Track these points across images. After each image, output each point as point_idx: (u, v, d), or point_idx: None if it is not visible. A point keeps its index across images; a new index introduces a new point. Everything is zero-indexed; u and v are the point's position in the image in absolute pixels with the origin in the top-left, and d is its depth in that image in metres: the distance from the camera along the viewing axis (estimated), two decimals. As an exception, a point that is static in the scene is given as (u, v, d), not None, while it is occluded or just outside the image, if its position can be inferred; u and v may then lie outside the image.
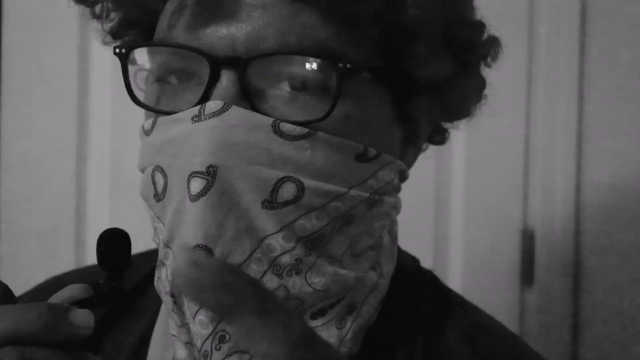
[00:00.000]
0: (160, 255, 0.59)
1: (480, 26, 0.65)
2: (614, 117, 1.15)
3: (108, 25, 0.65)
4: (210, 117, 0.55)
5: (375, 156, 0.60)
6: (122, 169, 1.13)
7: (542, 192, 1.19)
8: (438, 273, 0.74)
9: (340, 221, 0.59)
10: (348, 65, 0.56)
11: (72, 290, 0.52)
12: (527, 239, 1.19)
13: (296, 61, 0.57)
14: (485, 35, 0.66)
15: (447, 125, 0.71)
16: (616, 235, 1.15)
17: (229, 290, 0.39)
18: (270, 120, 0.56)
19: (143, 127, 0.61)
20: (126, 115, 1.12)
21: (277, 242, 0.56)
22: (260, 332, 0.39)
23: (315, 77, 0.57)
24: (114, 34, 0.66)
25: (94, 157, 1.14)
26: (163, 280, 0.59)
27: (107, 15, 0.65)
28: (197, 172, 0.54)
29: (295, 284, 0.57)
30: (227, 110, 0.55)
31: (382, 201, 0.62)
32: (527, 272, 1.19)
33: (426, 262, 0.73)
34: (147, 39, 0.64)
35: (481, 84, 0.68)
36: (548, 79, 1.19)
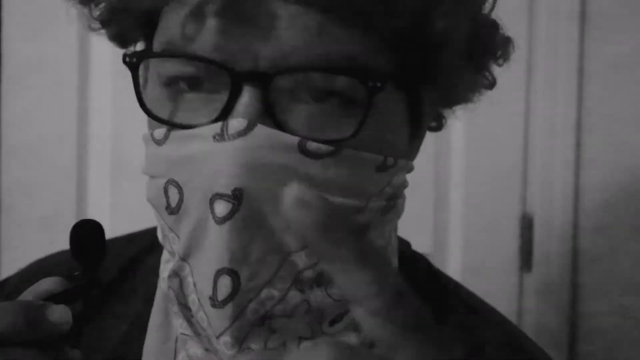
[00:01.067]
0: (174, 266, 0.58)
1: (496, 27, 0.64)
2: (614, 102, 1.15)
3: (96, 12, 0.62)
4: (234, 138, 0.53)
5: (392, 164, 0.59)
6: (123, 155, 1.13)
7: (541, 177, 1.19)
8: (438, 258, 0.74)
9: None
10: (378, 84, 0.55)
11: (47, 284, 0.52)
12: (526, 225, 1.19)
13: (323, 76, 0.55)
14: (499, 35, 0.65)
15: (445, 111, 0.71)
16: (615, 220, 1.15)
17: (333, 231, 0.35)
18: (296, 139, 0.54)
19: (153, 135, 0.58)
20: (127, 101, 1.12)
21: (301, 259, 0.56)
22: (358, 278, 0.35)
23: (342, 90, 0.55)
24: (104, 21, 0.62)
25: (94, 143, 1.15)
26: (176, 290, 0.59)
27: (97, 4, 0.62)
28: (222, 195, 0.53)
29: (317, 296, 0.57)
30: (252, 130, 0.53)
31: (395, 205, 0.61)
32: (526, 257, 1.20)
33: (426, 247, 0.74)
34: (141, 28, 0.62)
35: (492, 83, 0.68)
36: (547, 68, 1.19)
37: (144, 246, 0.73)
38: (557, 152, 1.19)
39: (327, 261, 0.36)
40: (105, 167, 1.14)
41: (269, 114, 0.54)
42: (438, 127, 0.71)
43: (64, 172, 1.14)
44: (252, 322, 0.55)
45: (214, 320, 0.55)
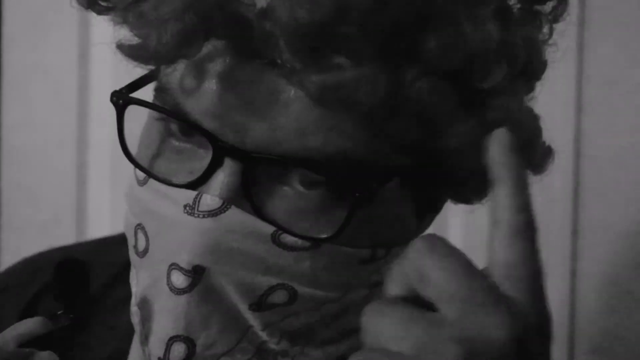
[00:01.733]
0: (132, 308, 0.56)
1: (534, 138, 0.58)
2: (614, 107, 1.16)
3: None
4: (204, 216, 0.50)
5: (383, 255, 0.55)
6: (123, 160, 1.13)
7: (541, 180, 1.19)
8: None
9: (331, 317, 0.56)
10: (366, 194, 0.50)
11: (30, 325, 0.51)
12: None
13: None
14: (539, 145, 0.59)
15: None
16: (615, 225, 1.16)
17: None
18: (271, 229, 0.51)
19: (135, 172, 0.56)
20: (126, 106, 1.12)
21: (262, 335, 0.54)
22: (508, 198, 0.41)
23: (329, 183, 0.51)
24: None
25: (94, 148, 1.15)
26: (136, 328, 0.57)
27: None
28: (180, 267, 0.50)
29: None
30: (225, 211, 0.50)
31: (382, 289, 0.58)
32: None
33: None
34: None
35: None
36: (546, 73, 1.19)
37: None
38: (556, 155, 1.19)
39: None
40: (105, 172, 1.15)
41: (247, 196, 0.50)
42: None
43: (64, 177, 1.14)
44: None
45: None
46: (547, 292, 0.44)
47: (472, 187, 0.56)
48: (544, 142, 0.59)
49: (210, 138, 0.50)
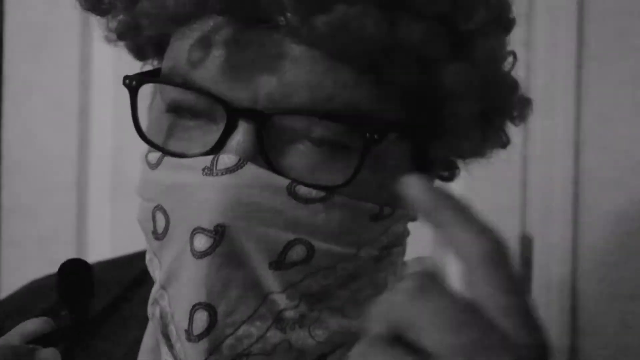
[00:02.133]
0: (155, 294, 0.58)
1: (514, 87, 0.63)
2: (613, 121, 1.16)
3: (113, 24, 0.61)
4: (222, 174, 0.52)
5: (390, 214, 0.58)
6: (124, 175, 1.13)
7: (541, 197, 1.19)
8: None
9: (346, 278, 0.58)
10: (376, 136, 0.54)
11: (34, 325, 0.52)
12: (526, 244, 1.19)
13: (322, 121, 0.54)
14: (517, 95, 0.64)
15: (457, 162, 0.69)
16: (615, 242, 1.15)
17: None
18: (286, 182, 0.54)
19: (147, 158, 0.58)
20: (128, 121, 1.12)
21: (281, 299, 0.55)
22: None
23: (340, 137, 0.55)
24: (119, 34, 0.62)
25: (95, 163, 1.15)
26: (156, 319, 0.58)
27: (115, 15, 0.61)
28: (203, 229, 0.53)
29: (299, 337, 0.56)
30: (242, 167, 0.53)
31: (390, 254, 0.60)
32: (525, 277, 1.20)
33: (425, 267, 0.74)
34: (154, 46, 0.61)
35: (506, 142, 0.66)
36: (545, 89, 1.19)
37: (144, 267, 0.72)
38: (556, 172, 1.19)
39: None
40: (105, 187, 1.15)
41: (262, 152, 0.54)
42: (450, 178, 0.69)
43: (64, 191, 1.14)
44: (228, 358, 0.55)
45: (189, 354, 0.55)
46: (541, 319, 0.40)
47: (466, 138, 0.61)
48: (522, 94, 0.64)
49: (223, 103, 0.53)
